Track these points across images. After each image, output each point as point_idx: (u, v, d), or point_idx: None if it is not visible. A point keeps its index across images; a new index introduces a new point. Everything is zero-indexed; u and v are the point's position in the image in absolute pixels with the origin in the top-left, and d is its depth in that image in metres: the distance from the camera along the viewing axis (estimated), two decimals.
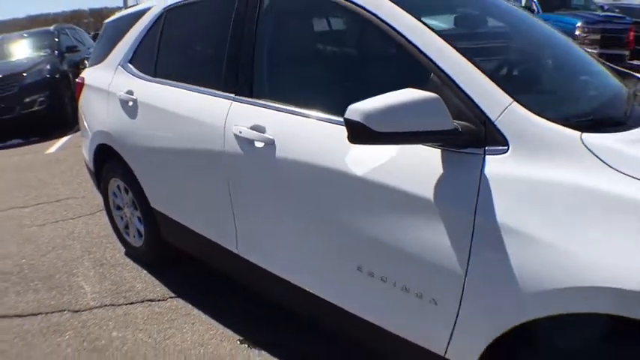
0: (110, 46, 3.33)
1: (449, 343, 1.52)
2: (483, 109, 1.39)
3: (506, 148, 1.36)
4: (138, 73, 2.93)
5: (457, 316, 1.46)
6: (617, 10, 12.70)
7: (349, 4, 1.75)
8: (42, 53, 8.99)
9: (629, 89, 1.94)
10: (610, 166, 1.24)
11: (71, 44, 9.57)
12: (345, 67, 1.91)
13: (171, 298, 2.88)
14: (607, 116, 1.59)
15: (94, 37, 11.46)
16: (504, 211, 1.30)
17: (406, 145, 1.51)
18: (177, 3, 2.76)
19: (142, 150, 2.79)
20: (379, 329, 1.72)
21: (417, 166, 1.48)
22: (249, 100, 2.07)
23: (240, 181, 2.10)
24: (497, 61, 1.84)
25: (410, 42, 1.56)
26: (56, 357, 2.42)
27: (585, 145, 1.28)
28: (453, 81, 1.45)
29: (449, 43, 1.51)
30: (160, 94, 2.65)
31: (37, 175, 5.76)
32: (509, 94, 1.40)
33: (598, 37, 8.84)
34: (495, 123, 1.37)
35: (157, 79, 2.74)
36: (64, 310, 2.82)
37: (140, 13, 3.10)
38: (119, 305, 2.84)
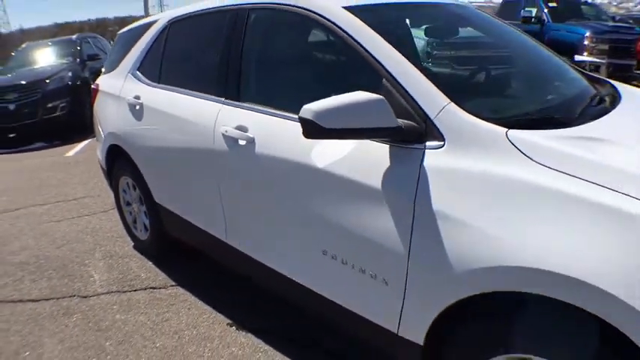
0: (122, 54, 3.62)
1: (400, 321, 1.71)
2: (424, 108, 1.60)
3: (442, 143, 1.56)
4: (144, 79, 3.20)
5: (404, 295, 1.65)
6: (630, 21, 12.74)
7: (320, 18, 1.98)
8: (64, 61, 9.43)
9: (590, 93, 2.11)
10: (531, 159, 1.42)
11: (92, 52, 10.00)
12: (314, 74, 2.14)
13: (172, 286, 3.13)
14: (546, 115, 1.77)
15: None
16: (439, 199, 1.51)
17: (362, 141, 1.72)
18: (180, 16, 3.03)
19: (146, 149, 3.06)
20: (343, 309, 1.92)
21: (369, 160, 1.69)
22: (236, 103, 2.31)
23: (227, 175, 2.34)
24: (448, 66, 2.05)
25: (368, 52, 1.79)
26: (63, 336, 2.67)
27: (510, 140, 1.47)
28: (400, 84, 1.67)
29: (400, 52, 1.73)
30: (163, 99, 2.91)
31: (57, 175, 6.09)
32: (447, 96, 1.61)
33: (606, 47, 8.90)
34: (434, 121, 1.58)
35: (161, 85, 3.01)
36: (74, 296, 3.09)
37: (148, 25, 3.38)
38: (124, 292, 3.10)
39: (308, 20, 2.04)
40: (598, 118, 1.75)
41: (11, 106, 8.27)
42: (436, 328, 1.63)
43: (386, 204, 1.63)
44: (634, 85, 8.88)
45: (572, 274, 1.23)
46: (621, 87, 2.33)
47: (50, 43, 10.28)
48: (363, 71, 1.78)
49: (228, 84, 2.39)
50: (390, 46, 1.75)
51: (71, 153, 7.41)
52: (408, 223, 1.57)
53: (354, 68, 1.84)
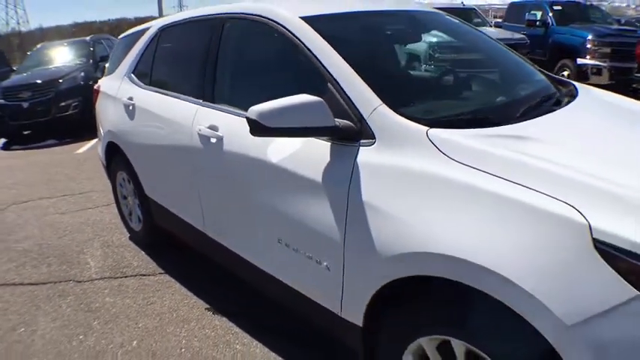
0: (120, 58, 3.88)
1: (342, 304, 1.90)
2: (359, 109, 1.81)
3: (373, 140, 1.76)
4: (138, 82, 3.45)
5: (343, 280, 1.84)
6: (638, 24, 12.71)
7: (280, 27, 2.20)
8: (78, 61, 9.79)
9: (541, 94, 2.27)
10: (445, 155, 1.59)
11: (105, 54, 10.31)
12: (274, 77, 2.35)
13: (160, 273, 3.37)
14: (476, 115, 1.94)
15: None
16: (367, 191, 1.70)
17: (309, 139, 1.93)
18: (169, 23, 3.28)
19: (137, 146, 3.31)
20: (297, 293, 2.13)
21: (314, 156, 1.90)
22: (210, 104, 2.54)
23: (201, 170, 2.57)
24: (388, 71, 2.24)
25: (316, 57, 2.00)
26: (56, 315, 2.93)
27: (429, 139, 1.66)
28: (341, 87, 1.87)
29: (344, 58, 1.93)
30: (152, 100, 3.15)
31: (66, 171, 6.40)
32: (380, 98, 1.80)
33: (608, 50, 8.96)
34: (367, 120, 1.78)
35: (151, 87, 3.26)
36: (70, 281, 3.35)
37: (143, 31, 3.63)
38: (116, 278, 3.35)
39: (271, 29, 2.25)
40: (537, 117, 1.89)
41: (25, 104, 8.64)
42: (374, 311, 1.80)
43: (326, 196, 1.83)
44: (634, 89, 8.84)
45: (474, 261, 1.39)
46: (582, 89, 2.46)
47: (64, 44, 10.67)
48: (314, 75, 1.99)
49: (205, 87, 2.61)
50: (335, 53, 1.96)
51: (81, 150, 7.73)
52: (343, 213, 1.77)
53: (307, 72, 2.04)
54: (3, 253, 3.87)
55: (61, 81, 8.83)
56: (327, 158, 1.85)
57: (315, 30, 2.07)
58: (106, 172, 4.18)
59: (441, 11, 3.02)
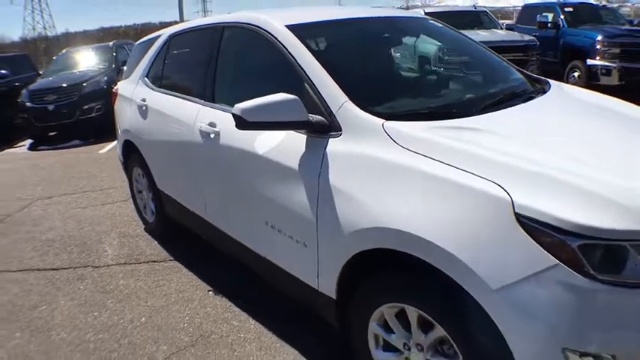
0: (136, 63, 4.21)
1: (318, 277, 2.15)
2: (329, 105, 2.07)
3: (340, 132, 2.02)
4: (150, 84, 3.77)
5: (318, 256, 2.10)
6: None
7: (268, 34, 2.48)
8: (101, 66, 10.24)
9: (508, 91, 2.50)
10: (397, 143, 1.84)
11: (127, 59, 10.77)
12: (263, 78, 2.64)
13: (170, 260, 3.67)
14: (435, 109, 2.18)
15: None
16: (334, 177, 1.95)
17: (289, 132, 2.19)
18: (178, 31, 3.60)
19: (149, 143, 3.62)
20: (282, 270, 2.39)
21: (293, 148, 2.16)
22: (211, 104, 2.83)
23: (202, 162, 2.86)
24: (357, 72, 2.49)
25: (296, 61, 2.27)
26: (74, 295, 3.25)
27: (385, 130, 1.91)
28: (315, 86, 2.14)
29: (319, 62, 2.19)
30: (162, 101, 3.46)
31: (88, 169, 6.79)
32: (347, 95, 2.06)
33: (617, 50, 9.00)
34: (335, 115, 2.04)
35: (161, 90, 3.57)
36: (88, 266, 3.67)
37: (156, 38, 3.95)
38: (130, 264, 3.66)
39: (260, 36, 2.53)
40: (494, 111, 2.12)
41: (51, 107, 9.11)
42: (346, 286, 2.03)
43: (302, 182, 2.10)
44: None
45: (416, 233, 1.63)
46: (555, 87, 2.66)
47: (88, 49, 11.16)
48: (294, 76, 2.26)
49: (207, 88, 2.91)
50: (312, 56, 2.24)
51: (103, 150, 8.13)
52: (315, 196, 2.03)
53: (289, 73, 2.30)
54: (28, 243, 4.22)
55: (85, 85, 9.28)
56: (303, 149, 2.12)
57: (297, 36, 2.35)
58: (124, 169, 4.51)
59: (427, 16, 3.26)
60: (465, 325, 1.63)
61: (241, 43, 2.83)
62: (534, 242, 1.46)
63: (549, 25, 10.57)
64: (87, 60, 10.65)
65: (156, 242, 4.02)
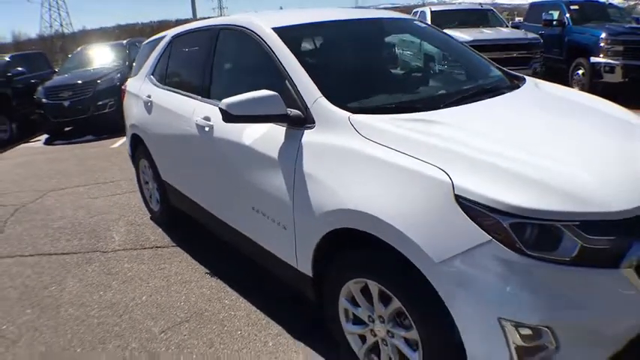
0: (143, 62, 4.47)
1: (296, 256, 2.37)
2: (305, 100, 2.29)
3: (314, 125, 2.24)
4: (155, 82, 4.02)
5: (295, 237, 2.32)
6: None
7: (256, 35, 2.71)
8: (115, 63, 10.56)
9: (478, 87, 2.69)
10: (360, 134, 2.06)
11: None
12: (251, 75, 2.87)
13: (173, 246, 3.93)
14: (398, 104, 2.38)
15: None
16: (307, 163, 2.18)
17: (272, 125, 2.41)
18: (180, 32, 3.84)
19: (154, 136, 3.87)
20: (269, 252, 2.62)
21: (275, 139, 2.38)
22: (207, 99, 3.07)
23: (198, 153, 3.10)
24: (333, 70, 2.70)
25: (279, 60, 2.50)
26: (82, 277, 3.52)
27: (350, 122, 2.13)
28: (294, 83, 2.37)
29: (299, 61, 2.42)
30: (165, 97, 3.71)
31: (101, 163, 7.09)
32: (321, 91, 2.28)
33: (621, 48, 9.06)
34: (310, 109, 2.27)
35: (165, 87, 3.81)
36: (96, 251, 3.94)
37: (161, 38, 4.20)
38: (135, 249, 3.92)
39: (249, 37, 2.77)
40: (458, 105, 2.31)
41: (66, 103, 9.46)
42: (320, 265, 2.25)
43: (281, 170, 2.32)
44: None
45: (371, 212, 1.85)
46: (530, 83, 2.82)
47: (102, 47, 11.49)
48: (277, 73, 2.50)
49: (203, 85, 3.15)
50: (292, 56, 2.47)
51: (115, 145, 8.44)
52: (291, 182, 2.25)
53: (273, 71, 2.53)
54: (41, 230, 4.51)
55: (99, 81, 9.61)
56: (282, 140, 2.35)
57: (282, 38, 2.58)
58: (132, 162, 4.78)
59: (410, 17, 3.47)
60: (415, 296, 1.84)
61: (234, 44, 3.07)
62: (471, 221, 1.66)
63: (554, 22, 10.65)
64: (101, 57, 10.98)
65: (160, 230, 4.28)
